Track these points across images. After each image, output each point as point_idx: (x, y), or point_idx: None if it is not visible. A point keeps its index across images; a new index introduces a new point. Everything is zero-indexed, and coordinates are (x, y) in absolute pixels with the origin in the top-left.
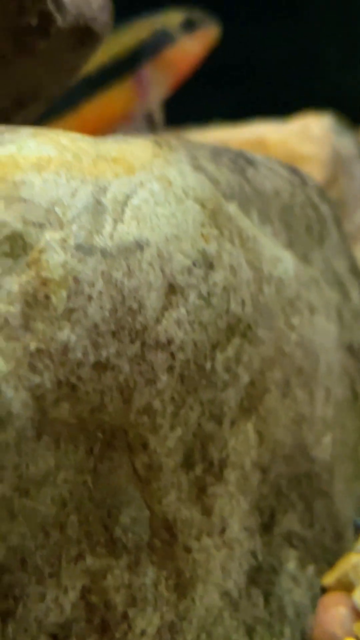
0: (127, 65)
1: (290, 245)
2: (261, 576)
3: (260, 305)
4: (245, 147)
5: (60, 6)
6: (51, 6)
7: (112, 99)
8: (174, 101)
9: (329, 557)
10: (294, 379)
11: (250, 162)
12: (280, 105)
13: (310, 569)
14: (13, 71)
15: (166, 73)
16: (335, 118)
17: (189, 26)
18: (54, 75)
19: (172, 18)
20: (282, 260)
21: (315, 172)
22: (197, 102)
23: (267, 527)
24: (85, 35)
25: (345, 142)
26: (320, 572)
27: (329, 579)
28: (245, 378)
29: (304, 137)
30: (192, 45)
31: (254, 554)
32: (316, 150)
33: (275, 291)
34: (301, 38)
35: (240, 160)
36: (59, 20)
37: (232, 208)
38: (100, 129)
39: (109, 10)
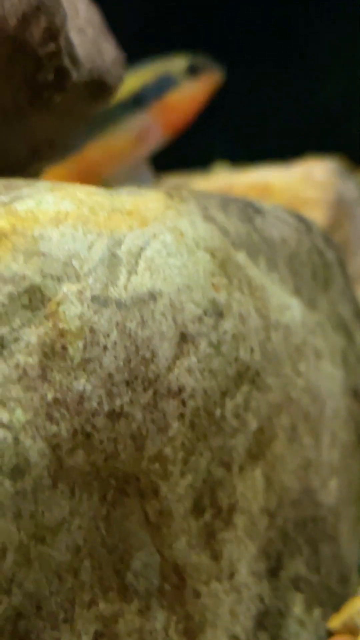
0: (130, 108)
1: (297, 291)
2: (268, 620)
3: (268, 352)
4: (251, 191)
5: (75, 61)
6: (67, 62)
7: (116, 141)
8: (178, 144)
9: (334, 600)
10: (301, 425)
11: (258, 210)
12: (284, 147)
13: (317, 613)
14: (29, 123)
15: (169, 116)
16: (338, 162)
17: (193, 71)
18: (69, 126)
19: (176, 63)
20: (289, 307)
21: (320, 216)
22: (200, 144)
23: (274, 571)
24: (99, 88)
25: (348, 186)
26: (326, 616)
27: (335, 622)
28: (253, 424)
29: (308, 182)
30: (195, 90)
31: (261, 598)
32: (320, 195)
33: (282, 338)
34: (304, 81)
35: (249, 210)
36: (74, 74)
37: (241, 257)
38: (103, 170)
39: (121, 63)
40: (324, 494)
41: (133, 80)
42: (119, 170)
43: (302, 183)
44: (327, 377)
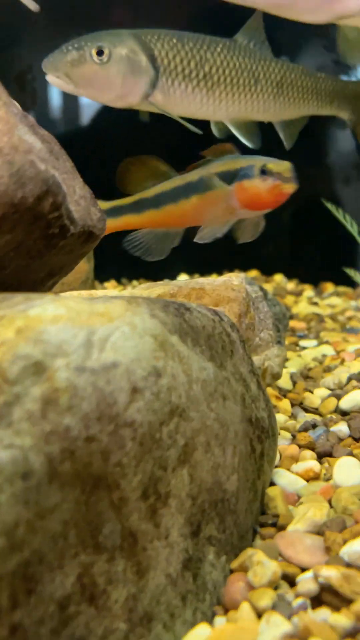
0: (229, 179)
1: (211, 358)
2: (191, 564)
3: (191, 397)
4: (193, 292)
5: (73, 221)
6: (67, 222)
7: (211, 197)
8: (161, 263)
9: (235, 550)
10: (213, 441)
11: (187, 308)
12: (221, 265)
13: (223, 559)
14: (46, 259)
15: (242, 196)
16: (252, 273)
17: (262, 173)
18: (70, 259)
19: (259, 162)
20: (205, 368)
21: (235, 307)
22: (170, 263)
23: (195, 533)
24: (88, 237)
25: (253, 288)
26: (229, 560)
27: (235, 564)
28: (181, 442)
29: (228, 287)
30: (259, 186)
31: (186, 551)
32: (235, 295)
33: (200, 388)
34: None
35: (181, 308)
36: (72, 229)
37: (174, 339)
38: (201, 213)
39: (103, 220)
40: (228, 484)
41: (243, 162)
42: (211, 221)
43: (224, 287)
44: (231, 411)
